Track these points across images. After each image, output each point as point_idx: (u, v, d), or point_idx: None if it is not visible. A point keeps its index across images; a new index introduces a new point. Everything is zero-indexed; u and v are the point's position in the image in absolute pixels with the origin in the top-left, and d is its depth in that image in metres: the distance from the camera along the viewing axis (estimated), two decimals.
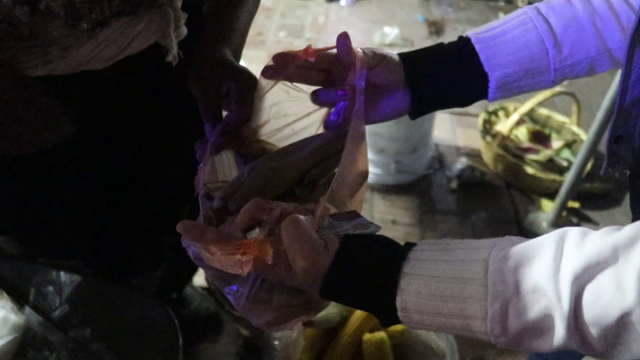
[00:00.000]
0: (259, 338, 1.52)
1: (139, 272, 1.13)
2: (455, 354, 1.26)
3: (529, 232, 2.06)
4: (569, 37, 0.61)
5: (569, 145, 2.29)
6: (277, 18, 3.11)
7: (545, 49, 0.61)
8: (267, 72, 0.63)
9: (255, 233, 0.52)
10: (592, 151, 1.83)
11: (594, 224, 2.13)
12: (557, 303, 0.41)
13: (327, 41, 2.98)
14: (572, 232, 0.43)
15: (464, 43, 0.63)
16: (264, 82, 0.66)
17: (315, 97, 0.65)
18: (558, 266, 0.41)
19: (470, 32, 0.64)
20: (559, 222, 2.06)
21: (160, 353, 1.01)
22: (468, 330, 0.45)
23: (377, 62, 0.62)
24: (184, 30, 0.87)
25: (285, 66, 0.62)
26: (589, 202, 2.19)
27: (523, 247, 0.44)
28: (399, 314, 0.47)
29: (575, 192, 2.14)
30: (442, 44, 0.65)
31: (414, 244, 0.49)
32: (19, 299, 1.12)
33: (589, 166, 2.19)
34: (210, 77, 0.74)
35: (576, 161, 1.88)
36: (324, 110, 0.67)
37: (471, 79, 0.63)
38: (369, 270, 0.48)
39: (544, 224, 2.07)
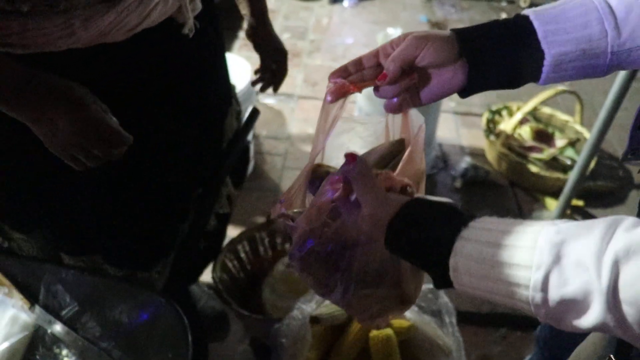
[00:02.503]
0: (266, 337, 1.53)
1: (153, 260, 1.13)
2: (461, 351, 1.27)
3: None
4: (630, 21, 0.60)
5: (572, 143, 2.29)
6: (281, 20, 3.13)
7: (605, 31, 0.60)
8: (332, 97, 0.64)
9: None
10: (596, 149, 1.84)
11: None
12: (596, 279, 0.42)
13: (331, 43, 3.00)
14: (627, 219, 0.44)
15: (522, 20, 0.62)
16: (331, 109, 0.66)
17: (378, 93, 0.66)
18: (605, 247, 0.42)
19: (528, 10, 0.63)
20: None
21: (169, 350, 1.02)
22: (512, 298, 0.47)
23: (421, 45, 0.62)
24: (199, 4, 0.90)
25: (342, 94, 0.64)
26: (593, 201, 2.19)
27: (576, 224, 0.45)
28: (451, 273, 0.49)
29: (579, 191, 2.14)
30: (497, 20, 0.64)
31: (475, 216, 0.52)
32: (29, 298, 1.13)
33: (592, 164, 2.19)
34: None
35: (580, 159, 1.88)
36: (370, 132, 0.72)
37: (527, 56, 0.62)
38: (429, 228, 0.52)
39: None
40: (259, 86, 1.34)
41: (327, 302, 1.26)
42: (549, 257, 0.44)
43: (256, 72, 1.31)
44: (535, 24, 0.61)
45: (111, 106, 0.86)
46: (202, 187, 1.16)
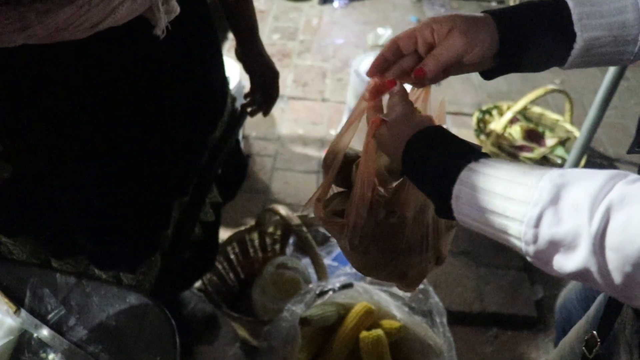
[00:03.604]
0: (256, 338, 1.52)
1: (137, 261, 1.11)
2: (452, 351, 1.26)
3: None
4: None
5: (562, 142, 2.30)
6: (271, 21, 3.12)
7: (639, 18, 0.60)
8: (371, 96, 0.66)
9: None
10: (586, 148, 1.84)
11: None
12: (587, 223, 0.42)
13: (321, 43, 2.99)
14: (631, 175, 0.44)
15: (557, 1, 0.61)
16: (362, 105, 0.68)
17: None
18: (604, 194, 0.42)
19: None
20: None
21: (157, 354, 1.01)
22: (505, 232, 0.48)
23: (469, 49, 0.61)
24: (176, 7, 0.86)
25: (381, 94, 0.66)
26: None
27: (582, 171, 0.46)
28: (452, 202, 0.51)
29: None
30: (532, 1, 0.63)
31: (489, 156, 0.54)
32: (15, 302, 1.11)
33: (582, 163, 2.20)
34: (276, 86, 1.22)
35: (570, 158, 1.89)
36: None
37: (558, 40, 0.61)
38: (441, 153, 0.54)
39: None
40: (247, 89, 1.31)
41: (317, 302, 1.25)
42: (547, 195, 0.45)
43: (246, 96, 1.28)
44: (571, 5, 0.60)
45: (83, 104, 0.84)
46: (187, 191, 1.14)
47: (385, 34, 2.91)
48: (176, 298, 1.56)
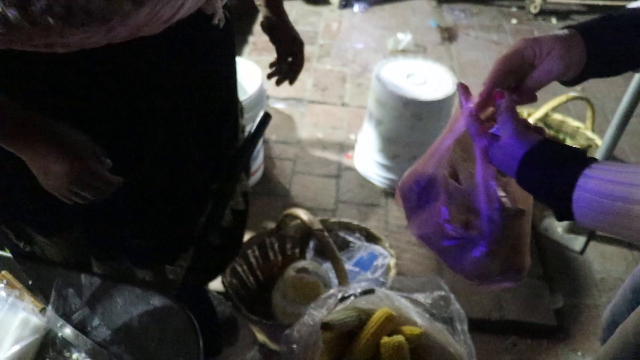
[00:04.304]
0: (275, 342, 1.52)
1: (177, 253, 1.14)
2: (473, 358, 1.26)
3: (544, 238, 2.05)
4: None
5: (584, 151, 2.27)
6: None
7: None
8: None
9: None
10: (609, 156, 1.82)
11: None
12: None
13: (340, 47, 3.00)
14: None
15: (633, 13, 0.67)
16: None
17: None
18: None
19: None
20: (574, 227, 2.05)
21: (180, 355, 1.01)
22: (628, 229, 0.53)
23: (566, 71, 0.67)
24: None
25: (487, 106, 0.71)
26: None
27: None
28: (573, 206, 0.57)
29: None
30: (612, 14, 0.68)
31: (596, 159, 0.59)
32: (41, 301, 1.13)
33: None
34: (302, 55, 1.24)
35: None
36: None
37: (636, 48, 0.67)
38: (554, 165, 0.59)
39: (559, 230, 2.06)
40: (274, 81, 1.33)
41: (339, 307, 1.25)
42: None
43: (271, 66, 1.30)
44: None
45: (142, 101, 0.88)
46: (218, 182, 1.17)
47: (405, 39, 2.90)
48: (203, 297, 1.57)
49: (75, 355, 1.10)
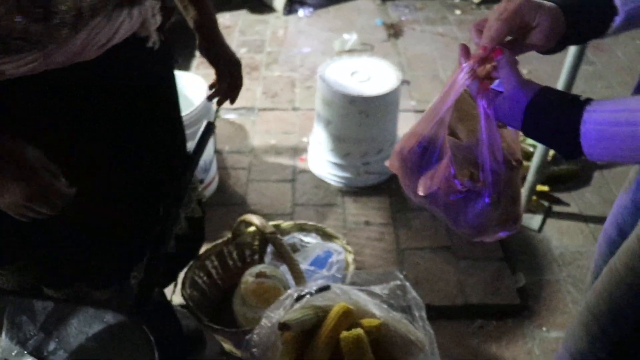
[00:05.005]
0: (241, 348, 1.51)
1: (130, 267, 1.15)
2: (433, 343, 1.27)
3: None
4: None
5: None
6: (237, 35, 3.13)
7: None
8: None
9: None
10: None
11: (565, 205, 2.16)
12: None
13: (288, 53, 3.01)
14: None
15: None
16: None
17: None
18: None
19: None
20: (530, 206, 2.09)
21: None
22: (636, 150, 0.59)
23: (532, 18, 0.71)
24: (159, 18, 0.94)
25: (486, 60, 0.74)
26: (558, 185, 2.23)
27: None
28: (582, 141, 0.62)
29: (543, 176, 2.18)
30: None
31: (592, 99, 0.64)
32: None
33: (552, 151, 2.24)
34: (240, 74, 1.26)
35: (540, 145, 1.91)
36: None
37: (604, 16, 0.73)
38: (558, 108, 0.64)
39: None
40: (216, 101, 1.34)
41: (296, 307, 1.25)
42: None
43: (211, 87, 1.32)
44: None
45: (84, 122, 0.90)
46: (168, 194, 1.17)
47: (351, 39, 2.94)
48: (169, 309, 1.56)
49: None
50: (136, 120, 1.01)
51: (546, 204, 2.14)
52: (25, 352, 1.08)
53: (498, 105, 0.70)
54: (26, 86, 0.79)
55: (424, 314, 1.29)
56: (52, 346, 1.08)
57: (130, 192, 1.05)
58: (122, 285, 1.14)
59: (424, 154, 0.84)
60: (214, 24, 1.22)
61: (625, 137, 0.59)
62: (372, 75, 2.02)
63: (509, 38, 0.74)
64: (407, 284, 1.33)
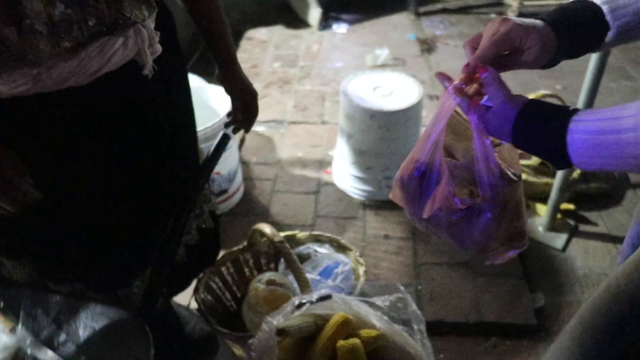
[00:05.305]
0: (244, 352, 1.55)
1: (131, 277, 1.20)
2: (431, 357, 1.28)
3: None
4: None
5: None
6: (272, 49, 3.23)
7: None
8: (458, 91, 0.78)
9: None
10: None
11: (592, 224, 2.11)
12: None
13: (321, 68, 3.08)
14: None
15: (587, 2, 0.76)
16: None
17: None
18: None
19: None
20: (554, 225, 2.05)
21: None
22: (621, 157, 0.60)
23: (523, 38, 0.73)
24: (159, 48, 0.98)
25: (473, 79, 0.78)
26: (587, 204, 2.17)
27: None
28: (569, 150, 0.63)
29: (569, 194, 2.13)
30: (570, 4, 0.77)
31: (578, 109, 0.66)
32: (12, 321, 1.20)
33: None
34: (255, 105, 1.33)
35: None
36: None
37: (596, 31, 0.76)
38: (548, 119, 0.66)
39: (540, 228, 2.06)
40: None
41: (295, 314, 1.29)
42: None
43: (229, 115, 1.38)
44: (598, 2, 0.75)
45: (81, 141, 0.95)
46: (177, 204, 1.23)
47: (382, 54, 2.97)
48: (176, 317, 1.62)
49: None
50: (135, 137, 1.04)
51: (572, 222, 2.10)
52: (38, 342, 1.17)
53: (488, 120, 0.73)
54: (21, 106, 0.85)
55: (423, 327, 1.30)
56: (62, 338, 1.16)
57: (127, 202, 1.09)
58: (123, 292, 1.19)
59: (422, 178, 0.86)
60: (232, 57, 1.28)
61: (610, 144, 0.60)
62: (394, 90, 2.05)
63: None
64: (409, 297, 1.35)
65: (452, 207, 0.83)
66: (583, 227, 2.09)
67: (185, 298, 1.63)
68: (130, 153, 1.05)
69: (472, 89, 0.78)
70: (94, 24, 0.83)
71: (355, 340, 1.26)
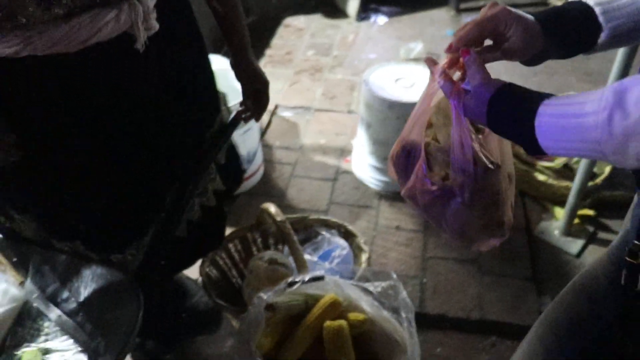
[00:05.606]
0: None
1: (126, 243, 1.24)
2: (415, 345, 1.29)
3: (540, 241, 2.02)
4: None
5: None
6: (308, 38, 3.26)
7: None
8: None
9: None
10: None
11: (612, 232, 2.05)
12: None
13: (354, 58, 3.09)
14: None
15: (580, 3, 0.76)
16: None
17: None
18: None
19: None
20: (571, 230, 2.01)
21: (123, 325, 1.13)
22: (584, 141, 0.60)
23: (510, 26, 0.74)
24: (155, 25, 1.01)
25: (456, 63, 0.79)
26: (610, 211, 2.12)
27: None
28: (537, 133, 0.64)
29: (590, 200, 2.08)
30: (563, 6, 0.77)
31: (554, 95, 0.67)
32: (23, 275, 1.29)
33: (606, 172, 2.12)
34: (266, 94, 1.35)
35: (581, 165, 1.84)
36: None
37: (587, 32, 0.76)
38: (520, 102, 0.68)
39: (556, 232, 2.03)
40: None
41: (287, 292, 1.33)
42: (612, 100, 0.56)
43: (241, 104, 1.40)
44: (591, 3, 0.75)
45: (81, 105, 1.00)
46: (179, 178, 1.27)
47: (416, 48, 2.96)
48: (179, 287, 1.69)
49: (46, 324, 1.24)
50: (129, 108, 1.07)
51: (591, 229, 2.05)
52: (43, 296, 1.25)
53: (466, 102, 0.74)
54: (12, 67, 0.89)
55: (410, 316, 1.32)
56: (65, 295, 1.24)
57: (137, 173, 1.14)
58: (116, 257, 1.24)
59: (408, 157, 0.89)
60: (244, 45, 1.30)
61: (573, 129, 0.60)
62: (416, 82, 2.05)
63: (489, 43, 0.77)
64: (400, 284, 1.37)
65: (425, 188, 0.85)
66: (602, 235, 2.04)
67: (195, 271, 1.70)
68: (125, 125, 1.08)
69: (455, 72, 0.79)
70: None
71: (342, 322, 1.29)
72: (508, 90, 0.70)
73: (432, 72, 0.81)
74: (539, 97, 0.66)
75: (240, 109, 1.41)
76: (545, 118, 0.64)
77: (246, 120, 1.42)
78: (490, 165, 0.80)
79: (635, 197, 0.83)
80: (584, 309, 0.90)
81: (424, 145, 0.86)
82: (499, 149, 0.84)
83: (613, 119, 0.56)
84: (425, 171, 0.85)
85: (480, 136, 0.83)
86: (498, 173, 0.82)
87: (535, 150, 0.66)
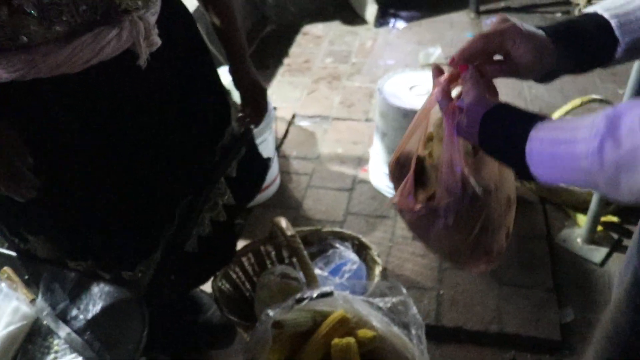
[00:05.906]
0: None
1: (136, 261, 1.26)
2: None
3: (561, 249, 1.96)
4: None
5: None
6: (326, 45, 3.25)
7: None
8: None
9: None
10: None
11: None
12: None
13: (372, 65, 3.06)
14: None
15: (596, 15, 0.72)
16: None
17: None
18: None
19: (601, 9, 0.72)
20: (594, 237, 1.94)
21: (130, 342, 1.14)
22: (575, 170, 0.56)
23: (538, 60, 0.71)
24: (157, 40, 1.02)
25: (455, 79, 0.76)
26: (635, 217, 2.04)
27: (632, 101, 0.54)
28: (527, 159, 0.61)
29: (614, 206, 2.01)
30: (577, 18, 0.74)
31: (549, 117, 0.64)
32: (34, 293, 1.31)
33: None
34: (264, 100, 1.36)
35: None
36: None
37: (602, 46, 0.72)
38: (512, 123, 0.65)
39: (579, 240, 1.96)
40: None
41: (295, 308, 1.32)
42: (604, 127, 0.53)
43: (240, 111, 1.42)
44: (606, 16, 0.71)
45: (88, 123, 1.01)
46: (190, 195, 1.28)
47: (435, 53, 2.92)
48: (192, 302, 1.69)
49: (56, 341, 1.26)
50: (134, 125, 1.09)
51: (615, 236, 1.97)
52: (53, 314, 1.27)
53: (460, 121, 0.71)
54: (19, 91, 0.91)
55: (420, 332, 1.29)
56: (74, 312, 1.26)
57: (128, 191, 1.14)
58: (128, 275, 1.26)
59: (402, 169, 0.87)
60: (242, 55, 1.32)
61: (563, 157, 0.57)
62: (431, 90, 2.01)
63: (498, 57, 0.73)
64: (410, 300, 1.34)
65: (409, 205, 0.83)
66: (627, 242, 1.97)
67: (209, 285, 1.70)
68: (131, 140, 1.10)
69: (454, 87, 0.76)
70: (86, 10, 0.87)
71: (350, 340, 1.27)
72: (501, 110, 0.66)
73: (434, 83, 0.77)
74: (532, 120, 0.62)
75: (239, 115, 1.42)
76: (537, 143, 0.60)
77: (245, 126, 1.43)
78: (478, 191, 0.76)
79: None
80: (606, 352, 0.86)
81: (420, 159, 0.83)
82: (498, 171, 0.80)
83: (604, 148, 0.52)
84: (412, 188, 0.83)
85: (475, 156, 0.79)
86: (489, 199, 0.78)
87: (527, 176, 0.62)
